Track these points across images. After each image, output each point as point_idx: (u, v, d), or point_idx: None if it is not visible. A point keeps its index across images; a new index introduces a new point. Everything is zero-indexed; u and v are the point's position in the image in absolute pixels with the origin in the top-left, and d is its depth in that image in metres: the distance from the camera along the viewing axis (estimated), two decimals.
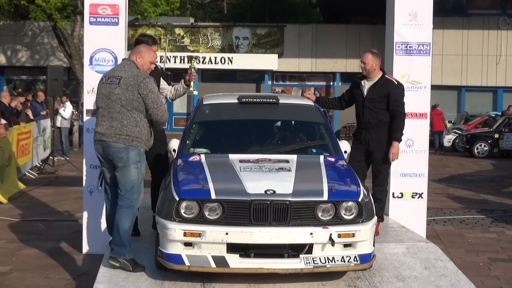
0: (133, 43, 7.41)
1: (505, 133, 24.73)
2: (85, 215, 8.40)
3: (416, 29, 8.62)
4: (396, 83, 7.82)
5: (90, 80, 8.30)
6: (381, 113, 7.73)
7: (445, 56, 32.67)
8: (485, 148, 25.05)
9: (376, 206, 7.58)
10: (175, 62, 32.79)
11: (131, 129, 6.40)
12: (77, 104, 25.14)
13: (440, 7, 26.96)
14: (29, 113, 18.73)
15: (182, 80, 7.83)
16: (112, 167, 6.56)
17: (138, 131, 6.43)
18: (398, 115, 7.71)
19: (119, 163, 6.44)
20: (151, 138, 6.65)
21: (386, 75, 7.84)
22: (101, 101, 6.54)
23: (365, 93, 7.80)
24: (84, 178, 8.38)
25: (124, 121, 6.40)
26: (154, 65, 7.31)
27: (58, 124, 20.54)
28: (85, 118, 8.39)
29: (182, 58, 33.83)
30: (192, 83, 7.90)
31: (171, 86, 7.97)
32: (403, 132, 7.80)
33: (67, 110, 21.66)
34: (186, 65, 32.95)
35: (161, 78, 7.78)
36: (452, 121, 31.38)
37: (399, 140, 7.75)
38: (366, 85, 7.83)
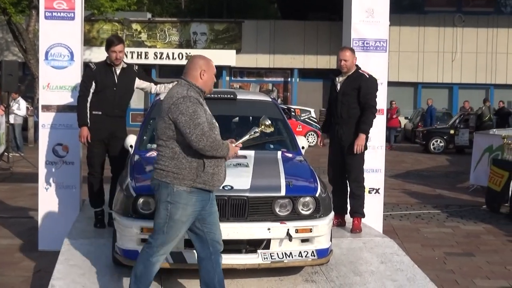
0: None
1: (460, 129, 25.09)
2: (40, 212, 8.30)
3: (373, 25, 8.67)
4: (368, 76, 7.80)
5: (46, 76, 8.19)
6: (353, 107, 7.70)
7: (402, 53, 33.01)
8: (441, 144, 25.36)
9: (356, 203, 7.65)
10: (132, 57, 32.52)
11: (165, 161, 5.24)
12: (33, 99, 24.79)
13: (397, 4, 27.23)
14: None
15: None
16: None
17: (175, 164, 5.21)
18: (369, 108, 7.68)
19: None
20: (204, 174, 5.25)
21: (359, 70, 7.84)
22: None
23: (339, 87, 7.80)
24: (40, 174, 8.28)
25: (161, 152, 5.30)
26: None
27: (11, 120, 20.21)
28: (41, 114, 8.27)
29: (139, 53, 33.64)
30: None
31: (155, 85, 7.82)
32: (372, 125, 7.78)
33: (21, 106, 21.33)
34: (142, 61, 32.81)
35: (136, 78, 7.66)
36: (409, 118, 31.73)
37: (366, 132, 7.70)
38: (340, 80, 7.82)
